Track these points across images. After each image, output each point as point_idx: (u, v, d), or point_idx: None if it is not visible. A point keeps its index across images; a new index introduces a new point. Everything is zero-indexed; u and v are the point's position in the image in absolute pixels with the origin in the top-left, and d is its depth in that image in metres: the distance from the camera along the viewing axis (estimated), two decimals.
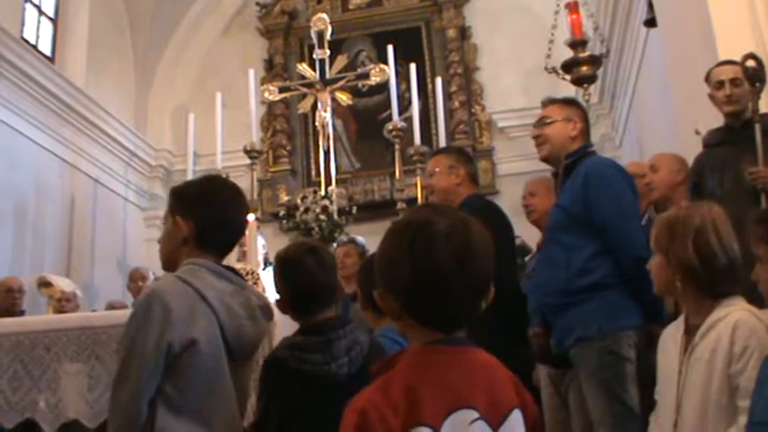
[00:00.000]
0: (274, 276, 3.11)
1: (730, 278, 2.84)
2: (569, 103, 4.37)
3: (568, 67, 8.48)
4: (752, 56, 4.28)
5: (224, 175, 7.38)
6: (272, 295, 5.29)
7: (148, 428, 2.54)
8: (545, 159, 4.22)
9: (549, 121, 4.14)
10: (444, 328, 1.79)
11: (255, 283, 4.90)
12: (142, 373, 2.53)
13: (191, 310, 2.60)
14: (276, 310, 3.21)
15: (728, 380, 2.69)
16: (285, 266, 3.07)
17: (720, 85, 4.48)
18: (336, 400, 2.68)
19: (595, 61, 8.60)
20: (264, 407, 2.85)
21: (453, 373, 1.75)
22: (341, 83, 8.13)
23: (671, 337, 3.02)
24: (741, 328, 2.71)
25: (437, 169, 4.82)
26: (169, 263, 2.88)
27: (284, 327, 3.64)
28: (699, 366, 2.78)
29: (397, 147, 7.84)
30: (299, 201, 7.94)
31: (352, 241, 6.64)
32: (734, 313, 2.77)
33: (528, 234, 5.61)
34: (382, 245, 1.83)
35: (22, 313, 7.13)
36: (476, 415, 1.72)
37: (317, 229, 7.59)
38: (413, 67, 8.22)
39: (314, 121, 8.84)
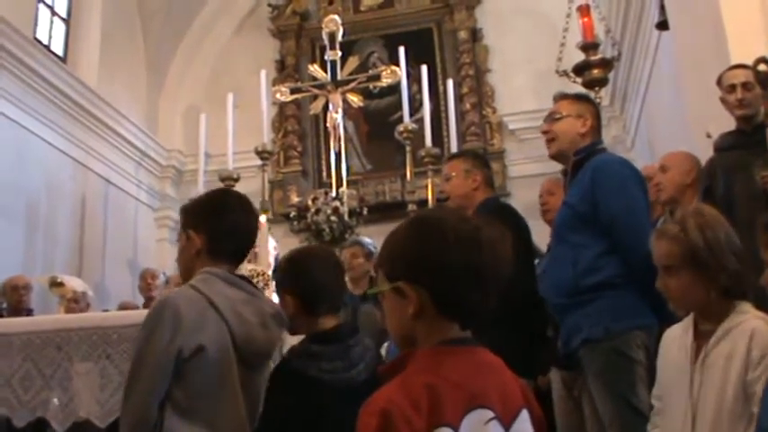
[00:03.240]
0: (282, 281, 3.11)
1: (745, 276, 2.83)
2: (581, 98, 4.30)
3: (580, 69, 8.47)
4: (764, 60, 4.26)
5: (235, 176, 7.47)
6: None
7: (157, 430, 2.63)
8: (554, 157, 4.18)
9: (558, 116, 4.09)
10: (468, 320, 1.81)
11: (266, 285, 4.91)
12: (153, 376, 2.63)
13: (200, 316, 2.69)
14: None
15: (744, 387, 2.66)
16: (293, 270, 3.07)
17: (732, 88, 4.47)
18: (353, 407, 2.70)
19: (607, 64, 8.59)
20: (272, 414, 2.80)
21: (469, 372, 1.76)
22: (352, 84, 8.14)
23: (676, 341, 2.97)
24: (758, 336, 2.69)
25: (453, 174, 4.81)
26: (187, 277, 2.96)
27: None
28: (713, 373, 2.74)
29: (408, 148, 7.83)
30: (309, 202, 7.95)
31: (359, 242, 6.65)
32: (749, 321, 2.75)
33: (540, 237, 5.59)
34: (409, 240, 1.83)
35: (29, 311, 7.15)
36: (491, 414, 1.73)
37: (327, 230, 7.59)
38: (424, 68, 8.21)
39: (325, 123, 8.82)
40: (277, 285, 3.16)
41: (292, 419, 2.75)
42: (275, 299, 4.89)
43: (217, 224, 2.93)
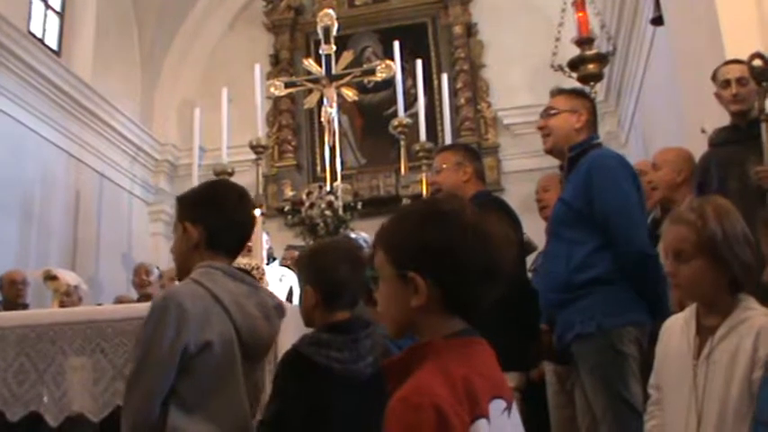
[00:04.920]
0: (304, 271, 3.10)
1: (754, 269, 2.81)
2: (577, 93, 4.31)
3: (575, 64, 8.47)
4: (759, 55, 4.27)
5: (229, 170, 7.45)
6: (274, 289, 5.30)
7: (160, 426, 2.60)
8: (549, 152, 4.17)
9: (553, 111, 4.08)
10: (470, 315, 1.78)
11: (261, 279, 4.90)
12: (157, 374, 2.60)
13: (205, 311, 2.66)
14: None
15: (750, 386, 2.61)
16: (316, 262, 3.08)
17: (727, 84, 4.48)
18: (359, 399, 2.69)
19: (602, 59, 8.59)
20: (281, 403, 2.81)
21: (485, 363, 1.75)
22: (347, 78, 8.11)
23: (677, 333, 2.91)
24: (765, 334, 2.63)
25: (444, 166, 4.80)
26: (183, 269, 2.93)
27: (290, 323, 3.64)
28: (718, 370, 2.69)
29: (402, 143, 7.81)
30: (304, 196, 7.92)
31: (350, 238, 6.63)
32: (756, 318, 2.69)
33: (534, 231, 5.60)
34: (427, 229, 1.75)
35: (25, 306, 7.15)
36: (505, 404, 1.73)
37: (321, 224, 7.58)
38: (419, 63, 8.19)
39: (319, 117, 8.80)
40: (299, 278, 3.14)
41: (297, 405, 2.75)
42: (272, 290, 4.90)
43: (216, 216, 2.89)
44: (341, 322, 2.92)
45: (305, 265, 3.10)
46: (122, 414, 2.70)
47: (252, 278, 2.95)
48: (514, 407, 1.81)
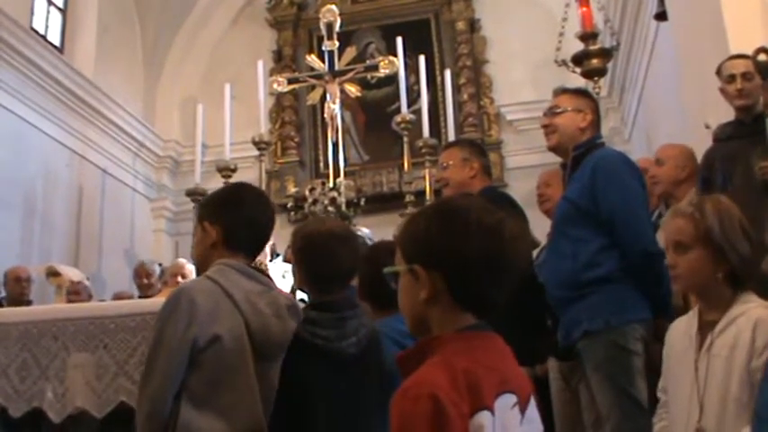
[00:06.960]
0: (299, 254, 3.10)
1: (753, 264, 2.85)
2: (581, 93, 4.31)
3: (578, 59, 8.41)
4: (763, 50, 4.25)
5: (232, 167, 7.45)
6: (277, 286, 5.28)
7: (172, 421, 2.68)
8: (553, 149, 4.17)
9: (558, 110, 4.09)
10: (481, 312, 1.80)
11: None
12: (168, 366, 2.69)
13: (216, 306, 2.75)
14: None
15: (749, 376, 2.66)
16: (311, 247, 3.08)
17: (731, 78, 4.46)
18: (341, 377, 2.75)
19: (606, 54, 8.54)
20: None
21: (495, 357, 1.76)
22: (350, 75, 8.11)
23: (681, 332, 2.97)
24: (763, 324, 2.69)
25: (450, 162, 4.80)
26: (202, 267, 3.03)
27: None
28: (718, 363, 2.74)
29: (405, 139, 7.81)
30: (307, 192, 7.92)
31: None
32: (754, 310, 2.75)
33: (537, 227, 5.58)
34: (432, 224, 1.81)
35: (29, 302, 7.15)
36: (515, 399, 1.74)
37: None
38: (422, 59, 8.20)
39: (322, 113, 8.82)
40: (293, 256, 3.17)
41: (283, 378, 2.79)
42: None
43: (234, 217, 3.00)
44: (328, 301, 2.94)
45: (297, 248, 3.11)
46: (137, 406, 2.79)
47: (267, 278, 3.03)
48: (532, 404, 1.82)
